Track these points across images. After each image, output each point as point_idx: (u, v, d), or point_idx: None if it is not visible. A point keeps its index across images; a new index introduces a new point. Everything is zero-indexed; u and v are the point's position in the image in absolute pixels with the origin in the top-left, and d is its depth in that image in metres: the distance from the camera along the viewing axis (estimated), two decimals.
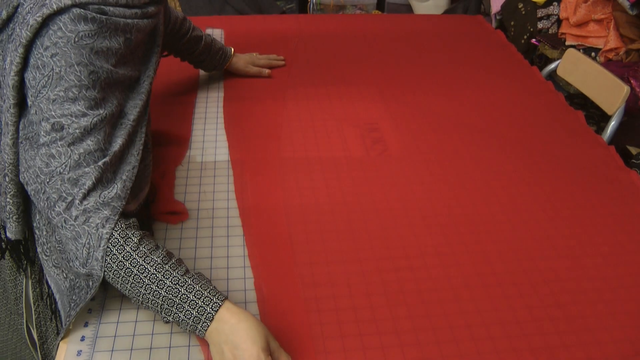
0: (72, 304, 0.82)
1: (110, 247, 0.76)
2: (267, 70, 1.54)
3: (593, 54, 2.18)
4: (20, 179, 0.81)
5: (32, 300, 1.06)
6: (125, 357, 0.80)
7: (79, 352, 0.80)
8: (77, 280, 0.82)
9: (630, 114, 1.86)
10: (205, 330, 0.76)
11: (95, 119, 0.78)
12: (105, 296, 0.89)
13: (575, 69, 1.79)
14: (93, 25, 0.77)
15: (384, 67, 1.63)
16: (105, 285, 0.83)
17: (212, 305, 0.76)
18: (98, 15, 0.77)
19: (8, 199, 0.85)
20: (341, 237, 1.02)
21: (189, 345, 0.82)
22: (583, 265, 0.99)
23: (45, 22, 0.75)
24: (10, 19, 0.80)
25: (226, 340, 0.75)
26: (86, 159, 0.78)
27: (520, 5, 2.47)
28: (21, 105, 0.80)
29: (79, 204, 0.76)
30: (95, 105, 0.79)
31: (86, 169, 0.77)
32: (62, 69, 0.76)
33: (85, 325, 0.84)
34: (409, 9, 3.21)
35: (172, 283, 0.76)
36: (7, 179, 0.84)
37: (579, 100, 2.10)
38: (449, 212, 1.09)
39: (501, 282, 0.95)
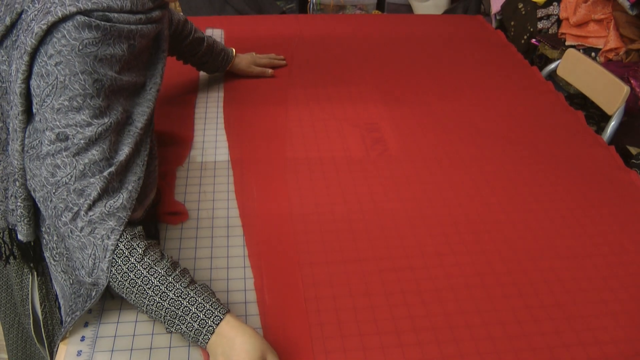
0: (69, 311, 0.82)
1: (116, 258, 0.76)
2: (270, 70, 1.54)
3: (593, 54, 2.18)
4: (28, 186, 0.82)
5: (38, 301, 1.06)
6: (126, 357, 0.80)
7: (79, 352, 0.80)
8: (80, 288, 0.82)
9: (630, 114, 1.85)
10: (207, 342, 0.76)
11: (100, 128, 0.78)
12: (106, 296, 0.89)
13: (575, 69, 1.79)
14: (97, 33, 0.77)
15: (384, 67, 1.63)
16: (106, 286, 0.83)
17: (213, 319, 0.76)
18: (102, 23, 0.77)
19: (19, 203, 0.86)
20: (341, 237, 1.02)
21: (189, 346, 0.82)
22: (583, 265, 0.99)
23: (50, 30, 0.75)
24: (13, 25, 0.80)
25: (223, 352, 0.75)
26: (91, 169, 0.78)
27: (520, 5, 2.47)
28: (29, 112, 0.80)
29: (84, 215, 0.76)
30: (100, 114, 0.79)
31: (91, 179, 0.77)
32: (67, 78, 0.76)
33: (85, 325, 0.84)
34: (409, 9, 3.21)
35: (174, 295, 0.77)
36: (17, 183, 0.84)
37: (579, 100, 2.10)
38: (449, 212, 1.09)
39: (501, 282, 0.95)
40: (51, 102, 0.76)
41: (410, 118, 1.38)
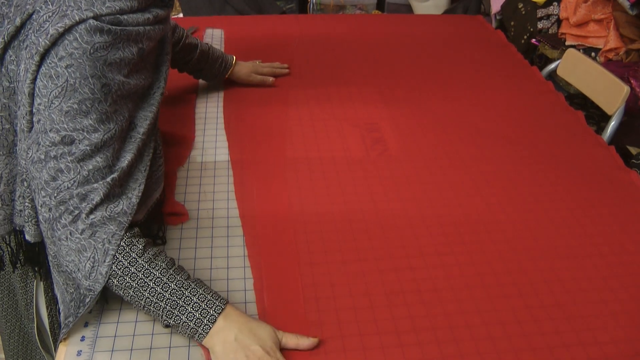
0: (65, 316, 0.82)
1: (117, 255, 0.77)
2: (270, 79, 1.49)
3: (593, 54, 2.18)
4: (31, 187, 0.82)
5: (44, 305, 1.06)
6: (126, 357, 0.80)
7: (79, 352, 0.80)
8: (75, 293, 0.83)
9: (630, 114, 1.85)
10: (206, 333, 0.77)
11: (106, 135, 0.79)
12: (105, 296, 0.89)
13: (575, 69, 1.79)
14: (108, 37, 0.77)
15: (384, 67, 1.63)
16: (105, 286, 0.83)
17: (215, 308, 0.78)
18: (113, 27, 0.78)
19: (27, 204, 0.86)
20: (341, 237, 1.02)
21: (189, 345, 0.82)
22: (583, 265, 0.99)
23: (63, 33, 0.75)
24: (23, 25, 0.80)
25: (241, 329, 0.78)
26: (95, 176, 0.78)
27: (520, 5, 2.47)
28: (32, 113, 0.80)
29: (85, 218, 0.77)
30: (106, 119, 0.79)
31: (94, 185, 0.78)
32: (77, 81, 0.76)
33: (85, 325, 0.84)
34: (409, 9, 3.21)
35: (176, 286, 0.78)
36: (25, 184, 0.85)
37: (579, 100, 2.10)
38: (449, 212, 1.09)
39: (501, 282, 0.95)
40: (60, 104, 0.76)
41: (410, 118, 1.38)
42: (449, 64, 1.67)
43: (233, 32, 1.81)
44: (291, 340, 0.80)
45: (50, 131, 0.77)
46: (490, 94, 1.51)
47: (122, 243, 0.77)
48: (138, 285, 0.77)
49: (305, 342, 0.80)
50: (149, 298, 0.77)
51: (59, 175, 0.77)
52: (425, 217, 1.07)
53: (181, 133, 1.28)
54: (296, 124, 1.34)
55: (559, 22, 2.35)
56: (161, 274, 0.78)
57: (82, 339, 0.82)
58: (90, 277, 0.77)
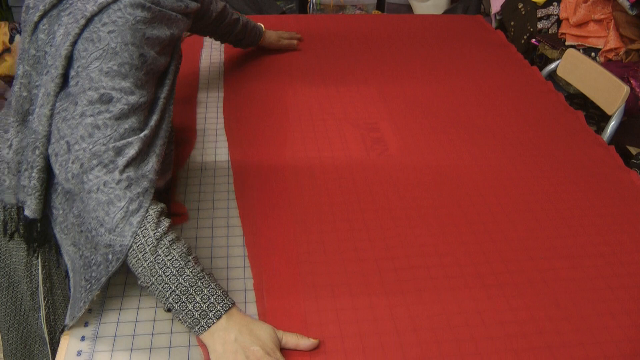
0: (93, 280, 0.82)
1: (145, 221, 0.78)
2: (295, 42, 1.70)
3: (593, 54, 2.18)
4: (49, 152, 0.83)
5: (42, 295, 1.06)
6: (126, 357, 0.80)
7: (79, 352, 0.80)
8: (92, 257, 0.83)
9: (630, 114, 1.86)
10: (208, 327, 0.78)
11: (141, 99, 0.83)
12: (105, 296, 0.89)
13: (575, 69, 1.79)
14: (147, 14, 0.82)
15: (384, 67, 1.63)
16: (105, 285, 0.83)
17: (222, 305, 0.79)
18: (153, 6, 0.83)
19: (34, 174, 0.87)
20: (341, 237, 1.02)
21: (189, 345, 0.82)
22: (583, 265, 0.99)
23: (109, 1, 0.80)
24: None
25: (241, 330, 0.78)
26: (129, 134, 0.81)
27: (520, 5, 2.47)
28: (65, 76, 0.83)
29: (120, 172, 0.79)
30: (141, 86, 0.83)
31: (130, 140, 0.81)
32: (118, 46, 0.80)
33: (86, 325, 0.84)
34: (409, 9, 3.21)
35: (192, 273, 0.79)
36: (37, 152, 0.85)
37: (579, 100, 2.10)
38: (449, 212, 1.09)
39: (501, 282, 0.95)
40: (100, 64, 0.79)
41: (410, 118, 1.38)
42: (449, 64, 1.67)
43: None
44: (291, 340, 0.81)
45: (88, 90, 0.79)
46: (490, 94, 1.51)
47: (152, 213, 0.79)
48: (155, 260, 0.78)
49: (305, 342, 0.80)
50: (161, 276, 0.78)
51: (95, 131, 0.79)
52: (425, 217, 1.08)
53: (181, 133, 1.28)
54: (296, 124, 1.34)
55: (559, 22, 2.35)
56: (180, 257, 0.79)
57: (82, 338, 0.82)
58: (116, 230, 0.77)
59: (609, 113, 1.62)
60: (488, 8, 2.83)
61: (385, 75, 1.58)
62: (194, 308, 0.78)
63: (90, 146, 0.78)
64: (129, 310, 0.87)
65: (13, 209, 0.97)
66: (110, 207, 0.77)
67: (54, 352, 1.09)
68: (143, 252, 0.78)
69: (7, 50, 2.76)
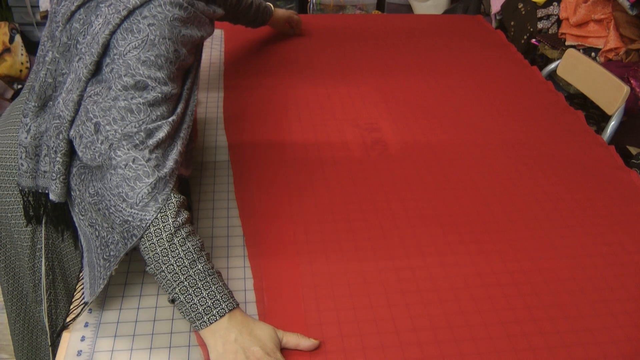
0: (112, 258, 0.83)
1: (166, 208, 0.79)
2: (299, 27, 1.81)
3: (593, 54, 2.18)
4: (71, 135, 0.85)
5: (44, 288, 1.07)
6: (126, 357, 0.80)
7: (79, 352, 0.80)
8: (109, 236, 0.84)
9: (630, 114, 1.85)
10: (210, 324, 0.78)
11: (172, 90, 0.86)
12: (106, 296, 0.89)
13: (575, 69, 1.79)
14: (184, 13, 0.86)
15: (384, 67, 1.63)
16: (105, 285, 0.83)
17: (227, 303, 0.80)
18: (189, 7, 0.87)
19: (58, 158, 0.88)
20: (341, 237, 1.02)
21: (189, 345, 0.82)
22: (583, 265, 0.99)
23: None
24: None
25: (241, 330, 0.78)
26: (160, 120, 0.84)
27: (520, 5, 2.47)
28: (98, 63, 0.85)
29: (150, 151, 0.81)
30: (173, 79, 0.86)
31: (160, 123, 0.83)
32: (156, 38, 0.83)
33: (86, 325, 0.84)
34: (409, 9, 3.21)
35: (203, 268, 0.80)
36: (60, 136, 0.87)
37: (579, 100, 2.10)
38: (449, 212, 1.09)
39: (501, 282, 0.95)
40: (138, 53, 0.82)
41: (410, 118, 1.38)
42: (449, 64, 1.67)
43: (233, 32, 1.81)
44: (292, 340, 0.81)
45: (124, 76, 0.82)
46: (490, 94, 1.51)
47: (174, 201, 0.80)
48: (170, 248, 0.79)
49: (305, 342, 0.81)
50: (172, 265, 0.79)
51: (129, 114, 0.81)
52: (425, 217, 1.08)
53: None
54: (296, 124, 1.34)
55: (559, 22, 2.35)
56: (194, 251, 0.80)
57: (82, 339, 0.82)
58: (140, 204, 0.78)
59: (609, 113, 1.62)
60: (488, 8, 2.83)
61: (385, 75, 1.58)
62: (199, 302, 0.78)
63: (122, 128, 0.81)
64: (129, 310, 0.87)
65: (32, 193, 0.98)
66: (136, 183, 0.79)
67: (55, 346, 1.09)
68: (159, 238, 0.78)
69: (7, 50, 2.76)
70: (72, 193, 0.90)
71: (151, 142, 0.81)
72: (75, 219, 0.91)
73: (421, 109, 1.42)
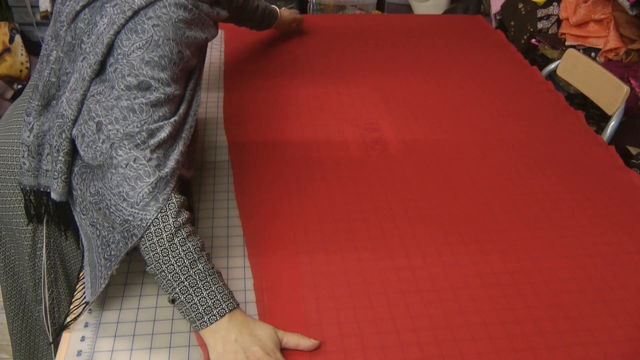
0: (113, 258, 0.83)
1: (166, 208, 0.79)
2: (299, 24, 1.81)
3: (593, 54, 2.18)
4: (73, 134, 0.85)
5: (45, 287, 1.07)
6: (126, 357, 0.80)
7: (79, 352, 0.80)
8: (110, 236, 0.84)
9: (630, 114, 1.85)
10: (210, 324, 0.78)
11: (175, 91, 0.86)
12: (106, 296, 0.89)
13: (575, 69, 1.79)
14: (189, 15, 0.86)
15: (384, 67, 1.63)
16: (106, 285, 0.83)
17: (228, 304, 0.80)
18: (194, 9, 0.87)
19: (60, 157, 0.88)
20: (341, 237, 1.02)
21: (189, 346, 0.82)
22: (583, 265, 0.99)
23: None
24: None
25: (236, 337, 0.78)
26: (162, 120, 0.84)
27: (520, 5, 2.47)
28: (102, 63, 0.85)
29: (152, 151, 0.81)
30: (176, 80, 0.86)
31: (161, 124, 0.83)
32: (161, 39, 0.83)
33: (86, 325, 0.84)
34: (409, 9, 3.21)
35: (203, 268, 0.80)
36: (63, 135, 0.87)
37: (579, 100, 2.10)
38: (449, 212, 1.09)
39: (501, 282, 0.95)
40: (142, 54, 0.82)
41: (410, 118, 1.38)
42: (449, 64, 1.67)
43: (233, 32, 1.81)
44: (292, 340, 0.81)
45: (128, 75, 0.82)
46: (490, 94, 1.51)
47: (175, 201, 0.80)
48: (170, 248, 0.79)
49: (305, 342, 0.81)
50: (173, 265, 0.79)
51: (131, 114, 0.81)
52: (425, 217, 1.08)
53: None
54: (296, 124, 1.34)
55: (559, 22, 2.35)
56: (194, 251, 0.80)
57: (82, 339, 0.82)
58: (140, 204, 0.78)
59: (609, 113, 1.62)
60: (488, 8, 2.83)
61: (385, 75, 1.58)
62: (199, 302, 0.78)
63: (123, 128, 0.80)
64: (129, 310, 0.87)
65: (34, 192, 0.98)
66: (137, 182, 0.79)
67: (56, 345, 1.09)
68: (159, 238, 0.78)
69: (7, 50, 2.76)
70: (74, 192, 0.90)
71: (152, 142, 0.81)
72: (76, 218, 0.91)
73: (421, 109, 1.42)
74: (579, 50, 2.07)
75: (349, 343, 0.83)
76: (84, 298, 0.86)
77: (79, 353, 0.80)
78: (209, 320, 0.78)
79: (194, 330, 0.82)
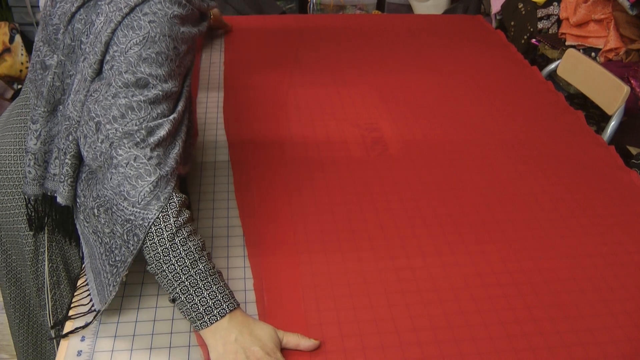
0: (119, 264, 0.82)
1: (168, 207, 0.79)
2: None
3: (593, 54, 2.18)
4: (78, 134, 0.85)
5: (48, 289, 1.07)
6: (126, 357, 0.80)
7: (79, 352, 0.80)
8: (112, 242, 0.84)
9: (630, 114, 1.85)
10: (210, 324, 0.78)
11: (173, 88, 0.85)
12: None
13: (575, 69, 1.79)
14: (182, 10, 0.85)
15: (384, 67, 1.63)
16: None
17: (228, 304, 0.80)
18: (187, 4, 0.86)
19: (67, 160, 0.88)
20: (341, 237, 1.02)
21: (189, 346, 0.82)
22: (583, 265, 0.99)
23: None
24: None
25: (236, 337, 0.78)
26: (161, 118, 0.83)
27: (520, 5, 2.47)
28: (102, 62, 0.84)
29: (152, 149, 0.81)
30: (174, 76, 0.86)
31: (160, 121, 0.83)
32: (157, 36, 0.82)
33: (86, 325, 0.84)
34: (409, 9, 3.21)
35: (204, 268, 0.80)
36: (70, 138, 0.87)
37: (579, 100, 2.10)
38: (449, 212, 1.09)
39: (501, 282, 0.95)
40: (139, 50, 0.82)
41: (410, 118, 1.38)
42: (449, 64, 1.67)
43: (233, 32, 1.81)
44: (292, 340, 0.81)
45: (125, 72, 0.81)
46: (490, 94, 1.51)
47: (176, 200, 0.80)
48: (171, 247, 0.78)
49: (306, 342, 0.81)
50: (173, 265, 0.78)
51: (129, 112, 0.81)
52: (425, 217, 1.07)
53: None
54: (296, 124, 1.34)
55: (559, 22, 2.35)
56: (195, 251, 0.80)
57: (82, 339, 0.82)
58: (142, 203, 0.78)
59: (609, 113, 1.62)
60: (488, 8, 2.83)
61: (385, 75, 1.58)
62: (200, 302, 0.78)
63: (122, 127, 0.80)
64: (129, 310, 0.87)
65: (38, 201, 0.98)
66: (138, 181, 0.78)
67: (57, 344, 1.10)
68: (160, 237, 0.78)
69: (7, 50, 2.76)
70: (78, 200, 0.90)
71: (152, 140, 0.81)
72: (78, 226, 0.90)
73: (421, 109, 1.42)
74: (579, 50, 2.07)
75: (349, 343, 0.83)
76: (92, 306, 0.86)
77: (79, 353, 0.80)
78: (209, 320, 0.78)
79: (194, 330, 0.82)
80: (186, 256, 0.79)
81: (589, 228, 1.07)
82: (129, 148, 0.79)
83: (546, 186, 1.17)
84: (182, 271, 0.79)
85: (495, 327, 0.87)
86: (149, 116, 0.81)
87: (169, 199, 0.79)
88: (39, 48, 0.93)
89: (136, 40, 0.81)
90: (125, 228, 0.79)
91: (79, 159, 0.88)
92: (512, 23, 2.51)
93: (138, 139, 0.80)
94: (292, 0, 3.13)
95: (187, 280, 0.79)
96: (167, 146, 0.84)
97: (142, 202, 0.78)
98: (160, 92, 0.83)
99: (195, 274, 0.79)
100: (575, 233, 1.06)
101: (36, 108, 0.93)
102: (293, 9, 3.14)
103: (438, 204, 1.11)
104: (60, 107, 0.92)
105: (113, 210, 0.80)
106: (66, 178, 0.88)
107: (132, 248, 0.79)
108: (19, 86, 2.79)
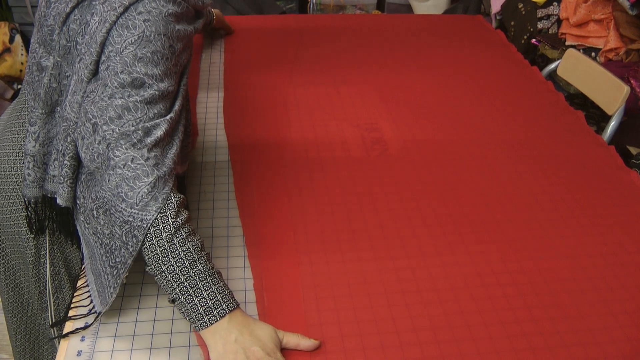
0: (119, 265, 0.82)
1: (166, 208, 0.79)
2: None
3: (593, 54, 2.18)
4: (75, 135, 0.85)
5: (51, 292, 1.07)
6: (126, 357, 0.80)
7: (79, 352, 0.80)
8: (111, 243, 0.83)
9: (630, 114, 1.85)
10: (210, 324, 0.78)
11: (169, 87, 0.85)
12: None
13: (575, 69, 1.79)
14: (177, 8, 0.85)
15: (384, 67, 1.63)
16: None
17: (228, 304, 0.80)
18: (182, 2, 0.86)
19: (66, 162, 0.87)
20: (341, 237, 1.02)
21: (189, 346, 0.82)
22: (583, 265, 0.99)
23: None
24: None
25: (236, 337, 0.78)
26: (157, 118, 0.83)
27: (520, 5, 2.47)
28: (98, 63, 0.84)
29: (149, 150, 0.80)
30: (170, 75, 0.85)
31: (157, 121, 0.82)
32: (152, 35, 0.82)
33: (86, 325, 0.84)
34: (409, 9, 3.21)
35: (203, 268, 0.80)
36: (68, 139, 0.87)
37: (579, 100, 2.10)
38: (449, 212, 1.09)
39: (501, 282, 0.95)
40: (135, 50, 0.81)
41: (410, 118, 1.38)
42: (449, 64, 1.67)
43: (234, 33, 1.81)
44: (292, 340, 0.81)
45: (121, 72, 0.81)
46: (490, 94, 1.51)
47: (174, 201, 0.80)
48: (170, 248, 0.78)
49: (306, 342, 0.81)
50: (172, 266, 0.78)
51: (126, 113, 0.80)
52: (425, 217, 1.07)
53: None
54: (296, 124, 1.34)
55: (559, 22, 2.35)
56: (194, 251, 0.80)
57: (82, 339, 0.82)
58: (140, 204, 0.78)
59: (609, 113, 1.62)
60: (488, 8, 2.83)
61: (385, 75, 1.58)
62: (199, 303, 0.78)
63: (119, 127, 0.79)
64: (129, 310, 0.87)
65: (38, 203, 0.98)
66: (136, 182, 0.78)
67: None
68: (158, 238, 0.78)
69: (7, 50, 2.76)
70: (78, 201, 0.89)
71: (149, 140, 0.80)
72: (78, 228, 0.90)
73: (421, 109, 1.42)
74: (579, 50, 2.07)
75: (349, 343, 0.83)
76: (92, 307, 0.86)
77: (79, 353, 0.80)
78: (209, 320, 0.78)
79: (194, 330, 0.82)
80: (185, 257, 0.79)
81: (589, 228, 1.07)
82: (126, 149, 0.79)
83: (546, 186, 1.17)
84: (181, 272, 0.79)
85: (495, 327, 0.87)
86: (145, 116, 0.81)
87: (167, 200, 0.79)
88: (35, 50, 0.93)
89: (131, 40, 0.81)
90: (124, 229, 0.79)
91: (78, 160, 0.88)
92: (512, 23, 2.51)
93: (135, 140, 0.80)
94: (292, 0, 3.13)
95: (186, 281, 0.78)
96: (164, 146, 0.83)
97: (140, 204, 0.78)
98: (157, 92, 0.82)
99: (195, 274, 0.79)
100: (575, 233, 1.06)
101: (34, 110, 0.93)
102: (293, 9, 3.14)
103: (438, 204, 1.11)
104: (58, 108, 0.92)
105: (112, 211, 0.80)
106: (65, 179, 0.88)
107: (131, 249, 0.79)
108: (19, 86, 2.79)
